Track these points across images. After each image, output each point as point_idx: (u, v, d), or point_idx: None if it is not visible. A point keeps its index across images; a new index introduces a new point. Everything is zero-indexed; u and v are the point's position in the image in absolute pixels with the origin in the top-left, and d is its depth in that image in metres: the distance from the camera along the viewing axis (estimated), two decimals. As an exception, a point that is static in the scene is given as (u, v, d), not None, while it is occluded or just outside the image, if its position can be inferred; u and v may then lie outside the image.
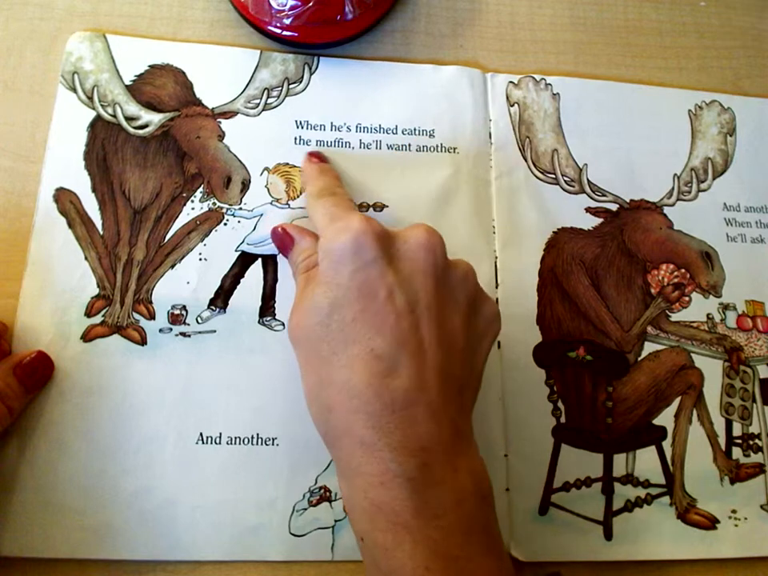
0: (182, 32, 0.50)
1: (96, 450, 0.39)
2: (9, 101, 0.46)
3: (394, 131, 0.49)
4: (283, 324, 0.43)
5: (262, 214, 0.45)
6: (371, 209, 0.46)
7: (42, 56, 0.48)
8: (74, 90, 0.46)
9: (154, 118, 0.47)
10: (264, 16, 0.48)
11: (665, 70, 0.54)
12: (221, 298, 0.43)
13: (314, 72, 0.49)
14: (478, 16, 0.54)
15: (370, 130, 0.48)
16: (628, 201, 0.49)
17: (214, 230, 0.45)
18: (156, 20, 0.50)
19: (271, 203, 0.46)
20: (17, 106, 0.46)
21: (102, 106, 0.46)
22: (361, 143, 0.48)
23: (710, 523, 0.43)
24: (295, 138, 0.48)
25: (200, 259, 0.44)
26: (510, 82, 0.51)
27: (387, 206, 0.46)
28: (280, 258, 0.44)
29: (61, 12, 0.49)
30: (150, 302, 0.43)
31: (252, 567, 0.39)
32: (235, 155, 0.46)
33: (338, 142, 0.48)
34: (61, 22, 0.49)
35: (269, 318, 0.43)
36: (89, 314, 0.42)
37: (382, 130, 0.49)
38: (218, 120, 0.47)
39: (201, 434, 0.40)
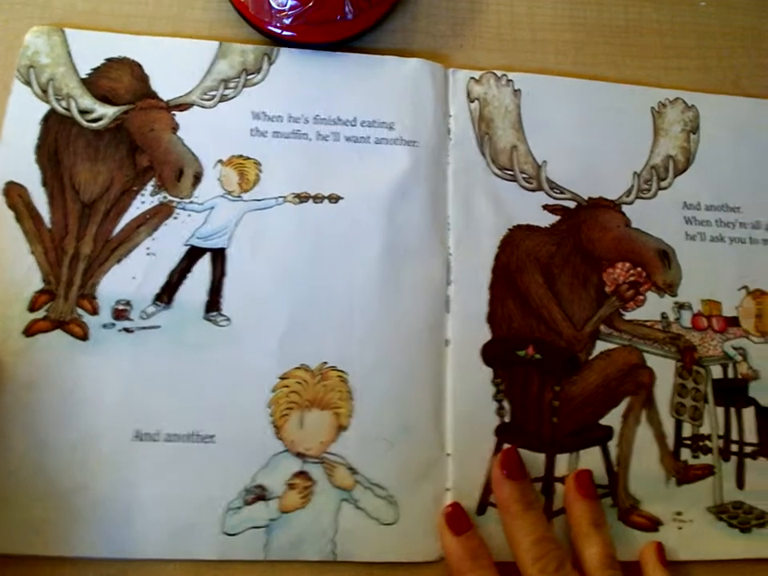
0: (182, 32, 0.50)
1: (35, 444, 0.39)
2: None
3: (353, 123, 0.48)
4: (228, 319, 0.43)
5: (213, 207, 0.45)
6: (326, 200, 0.46)
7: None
8: (29, 83, 0.46)
9: (108, 111, 0.46)
10: (264, 16, 0.48)
11: (665, 70, 0.54)
12: (167, 293, 0.43)
13: (273, 62, 0.49)
14: (478, 16, 0.53)
15: (328, 122, 0.48)
16: (587, 198, 0.49)
17: (163, 224, 0.44)
18: (156, 20, 0.50)
19: (223, 196, 0.45)
20: (-28, 100, 0.46)
21: (56, 99, 0.46)
22: (318, 135, 0.48)
23: (652, 525, 0.42)
24: (251, 130, 0.47)
25: (147, 254, 0.43)
26: (472, 77, 0.50)
27: (342, 198, 0.46)
28: (228, 252, 0.44)
29: (60, 12, 0.49)
30: (94, 297, 0.42)
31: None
32: (188, 148, 0.46)
33: (295, 133, 0.47)
34: (61, 21, 0.49)
35: (214, 314, 0.43)
36: (32, 308, 0.42)
37: (340, 121, 0.48)
38: (173, 112, 0.47)
39: (137, 431, 0.40)
